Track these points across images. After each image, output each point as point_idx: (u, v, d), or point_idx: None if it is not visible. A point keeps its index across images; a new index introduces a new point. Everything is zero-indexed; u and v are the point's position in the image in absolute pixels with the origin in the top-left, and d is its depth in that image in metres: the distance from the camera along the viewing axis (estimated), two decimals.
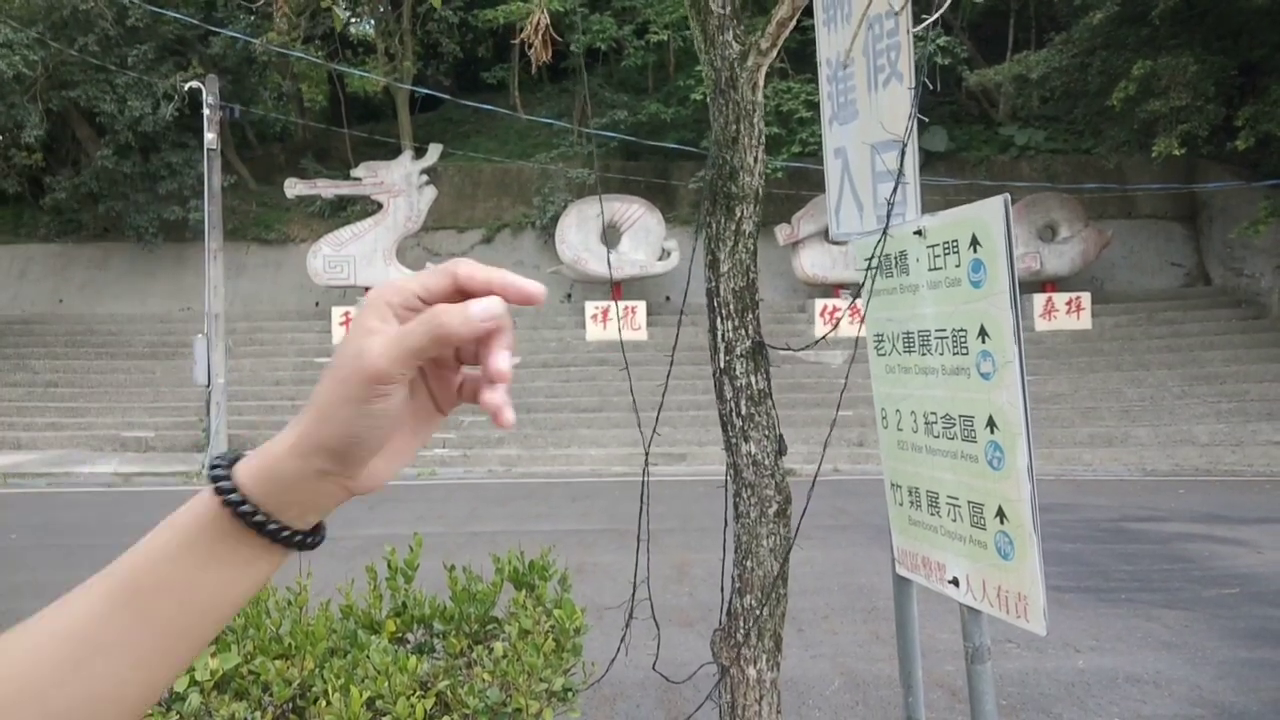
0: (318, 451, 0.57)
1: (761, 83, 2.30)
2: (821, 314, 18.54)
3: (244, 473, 0.58)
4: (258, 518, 0.57)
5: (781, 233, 18.61)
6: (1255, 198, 17.13)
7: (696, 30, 2.34)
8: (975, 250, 2.23)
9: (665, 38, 20.56)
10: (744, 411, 2.38)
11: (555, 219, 19.48)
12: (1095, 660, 5.31)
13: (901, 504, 2.73)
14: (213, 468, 0.59)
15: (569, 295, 20.68)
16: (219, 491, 0.57)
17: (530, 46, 3.24)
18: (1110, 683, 4.94)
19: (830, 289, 18.95)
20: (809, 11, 2.66)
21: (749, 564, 2.42)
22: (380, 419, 0.57)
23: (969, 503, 2.39)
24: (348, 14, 23.89)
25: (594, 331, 18.88)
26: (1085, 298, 18.53)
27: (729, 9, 2.30)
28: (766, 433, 2.40)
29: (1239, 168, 18.36)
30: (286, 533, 0.58)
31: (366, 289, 19.04)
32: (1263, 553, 8.19)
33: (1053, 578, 7.39)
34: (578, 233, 18.86)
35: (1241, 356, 16.94)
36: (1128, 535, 9.15)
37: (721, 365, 2.39)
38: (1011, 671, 5.06)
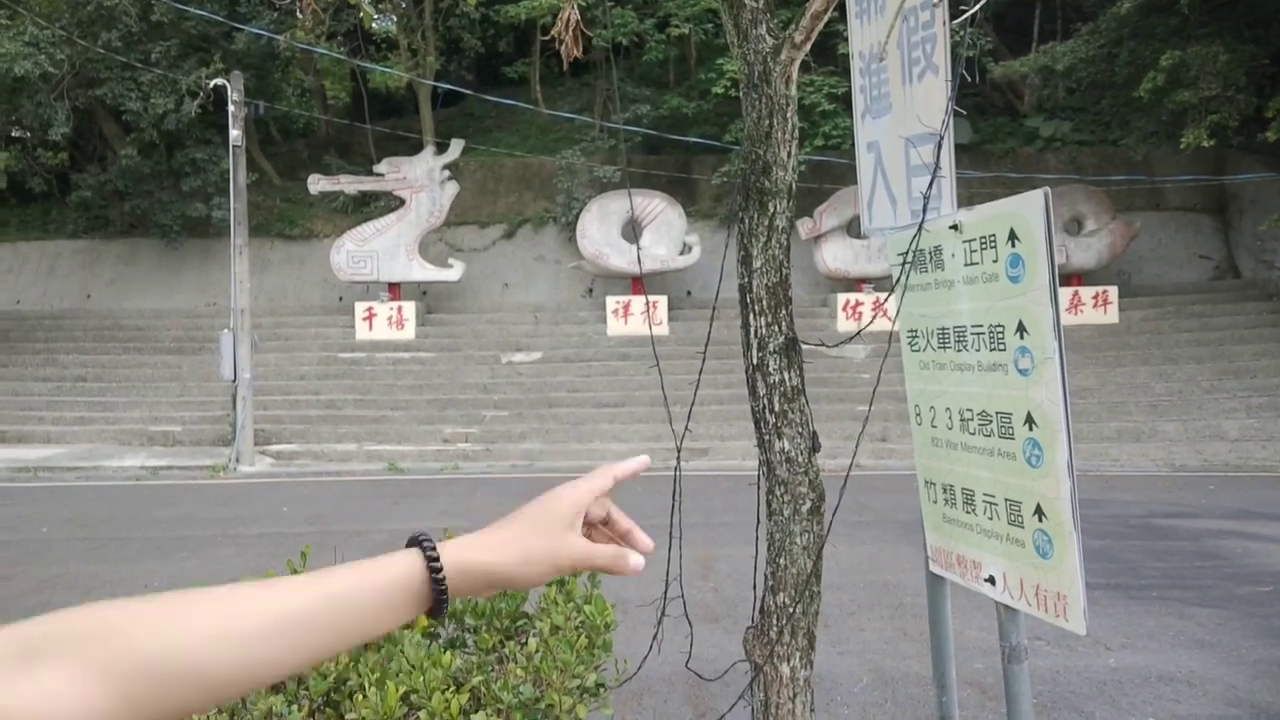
0: (497, 584, 0.77)
1: (795, 77, 2.28)
2: (844, 309, 18.46)
3: (449, 563, 0.74)
4: (443, 598, 0.74)
5: (803, 227, 18.52)
6: None
7: (729, 24, 2.32)
8: (1014, 245, 2.20)
9: (686, 31, 20.49)
10: (777, 408, 2.37)
11: (578, 214, 19.50)
12: (1127, 659, 5.26)
13: (935, 501, 2.70)
14: (429, 553, 0.74)
15: (590, 290, 20.70)
16: (434, 573, 0.73)
17: (561, 42, 3.23)
18: (1143, 681, 4.89)
19: (852, 284, 18.86)
20: (837, 5, 2.63)
21: (782, 561, 2.41)
22: (544, 575, 0.79)
23: (1006, 500, 2.36)
24: (376, 14, 24.01)
25: (615, 326, 18.88)
26: (1112, 291, 18.33)
27: (761, 2, 2.28)
28: (800, 429, 2.38)
29: (1270, 159, 18.08)
30: (442, 613, 0.75)
31: (389, 284, 19.18)
32: None
33: None
34: (599, 228, 18.87)
35: (1272, 350, 16.69)
36: (1157, 532, 9.05)
37: (754, 361, 2.38)
38: (1042, 669, 5.02)
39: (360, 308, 19.14)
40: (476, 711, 2.28)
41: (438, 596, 0.73)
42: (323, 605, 0.68)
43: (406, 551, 0.74)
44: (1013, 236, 2.20)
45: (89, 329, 20.14)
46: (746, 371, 2.41)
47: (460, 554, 0.75)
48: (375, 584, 0.71)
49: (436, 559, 0.73)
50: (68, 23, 18.62)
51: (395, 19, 23.27)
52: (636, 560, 0.85)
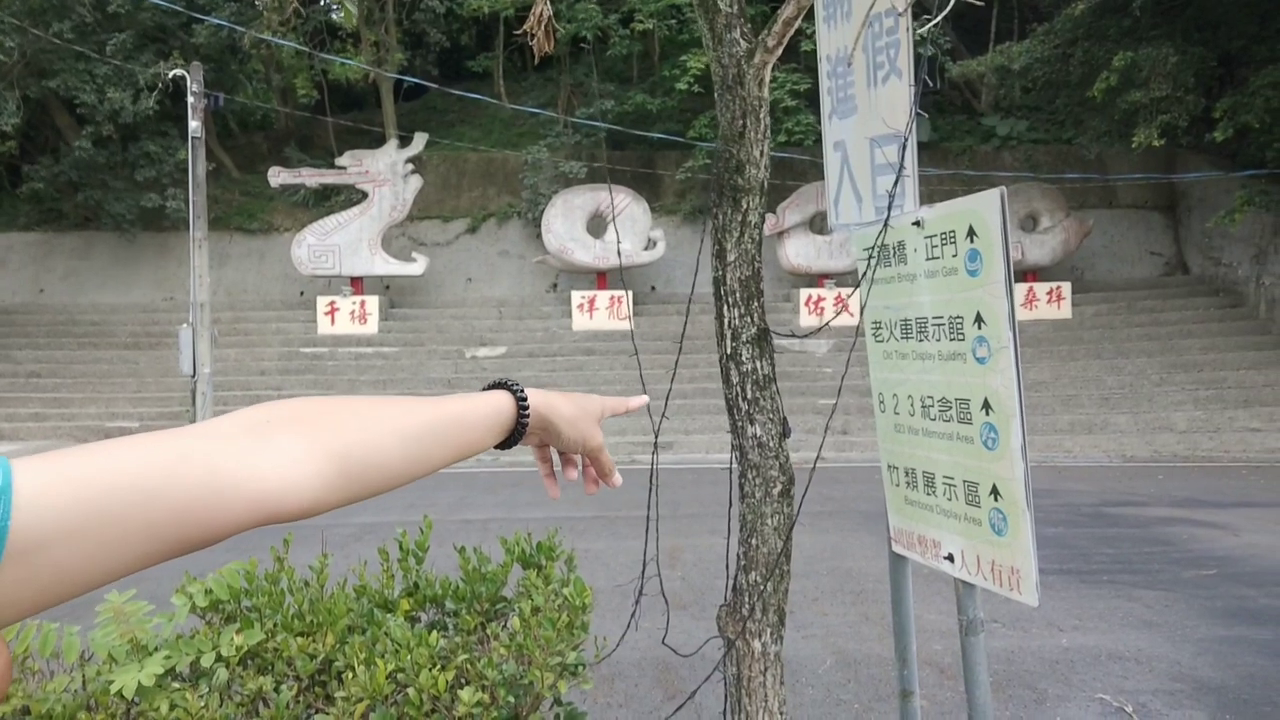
0: (553, 424, 0.97)
1: (768, 79, 2.39)
2: (806, 304, 18.69)
3: (533, 406, 0.94)
4: (523, 429, 0.93)
5: (766, 222, 18.66)
6: (1233, 188, 17.41)
7: (705, 28, 2.42)
8: (972, 240, 2.33)
9: (650, 27, 20.57)
10: (750, 395, 2.48)
11: (542, 209, 19.51)
12: (1078, 639, 5.47)
13: (898, 484, 2.83)
14: (520, 398, 0.93)
15: (555, 285, 20.73)
16: (522, 409, 0.92)
17: (532, 37, 3.30)
18: (1093, 660, 5.09)
19: (814, 279, 19.09)
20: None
21: (754, 541, 2.52)
22: (579, 442, 1.00)
23: (964, 482, 2.49)
24: (335, 5, 23.76)
25: (580, 321, 18.95)
26: (1066, 287, 18.78)
27: (736, 7, 2.38)
28: (771, 416, 2.49)
29: (1217, 158, 18.63)
30: (515, 442, 0.94)
31: (352, 278, 19.06)
32: (1239, 535, 8.40)
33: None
34: (564, 222, 18.91)
35: (1219, 344, 17.23)
36: (1108, 519, 9.34)
37: (728, 351, 2.48)
38: (998, 650, 5.21)
39: (322, 302, 19.00)
40: (462, 688, 2.36)
41: (520, 426, 0.92)
42: (447, 421, 0.84)
43: (499, 391, 0.93)
44: (971, 233, 2.33)
45: (42, 324, 19.76)
46: (720, 360, 2.52)
47: (536, 397, 0.95)
48: (482, 410, 0.89)
49: (525, 398, 0.93)
50: (18, 10, 18.21)
51: (355, 5, 23.06)
52: (639, 400, 1.11)
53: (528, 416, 0.92)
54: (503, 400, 0.91)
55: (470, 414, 0.87)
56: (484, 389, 0.94)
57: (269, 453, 0.67)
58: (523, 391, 0.93)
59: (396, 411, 0.80)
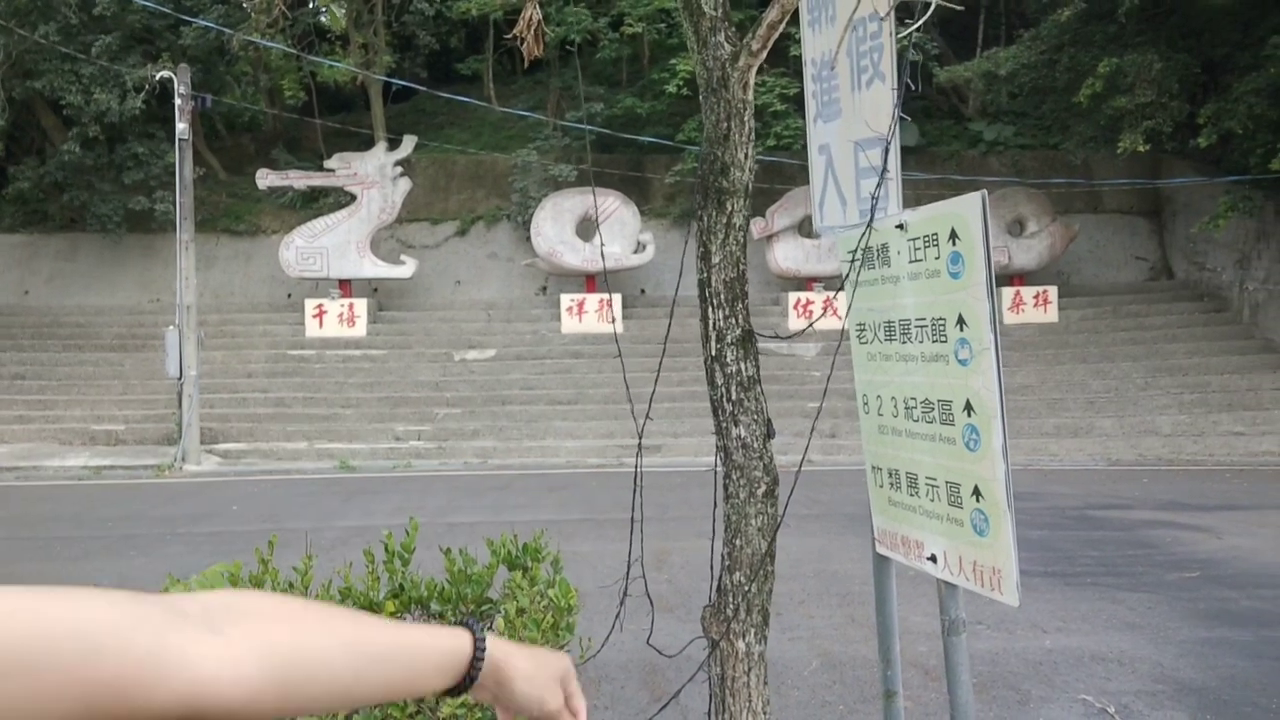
0: (507, 679, 0.88)
1: (752, 82, 2.40)
2: (795, 307, 18.73)
3: (489, 655, 0.86)
4: (472, 681, 0.85)
5: (755, 226, 18.73)
6: (1216, 193, 17.54)
7: (690, 32, 2.43)
8: (954, 243, 2.35)
9: (640, 30, 20.60)
10: (734, 397, 2.49)
11: (532, 212, 19.50)
12: (1062, 640, 5.50)
13: (882, 486, 2.85)
14: (479, 640, 0.86)
15: (544, 288, 20.71)
16: (477, 657, 0.85)
17: (522, 41, 3.31)
18: (1077, 661, 5.13)
19: (803, 282, 19.14)
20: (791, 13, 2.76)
21: (738, 542, 2.53)
22: (535, 701, 0.91)
23: (946, 483, 2.51)
24: (323, 9, 23.70)
25: (569, 324, 18.93)
26: (1052, 291, 18.87)
27: (720, 11, 2.40)
28: (755, 417, 2.51)
29: (1201, 164, 18.77)
30: (464, 690, 0.86)
31: (340, 281, 19.00)
32: (1222, 538, 8.46)
33: (1020, 562, 7.58)
34: (553, 225, 18.90)
35: (1203, 349, 17.35)
36: (1093, 522, 9.40)
37: (713, 353, 2.50)
38: (982, 651, 5.23)
39: (310, 304, 18.92)
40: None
41: (469, 678, 0.85)
42: (407, 648, 0.81)
43: (461, 630, 0.87)
44: (953, 235, 2.35)
45: (27, 326, 19.62)
46: (705, 362, 2.54)
47: (495, 647, 0.88)
48: (441, 647, 0.83)
49: (483, 647, 0.86)
50: (2, 11, 18.09)
51: (343, 10, 23.01)
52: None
53: (481, 663, 0.86)
54: (462, 641, 0.85)
55: (428, 649, 0.82)
56: (454, 623, 0.89)
57: (217, 642, 0.64)
58: (483, 635, 0.87)
59: (355, 629, 0.77)
